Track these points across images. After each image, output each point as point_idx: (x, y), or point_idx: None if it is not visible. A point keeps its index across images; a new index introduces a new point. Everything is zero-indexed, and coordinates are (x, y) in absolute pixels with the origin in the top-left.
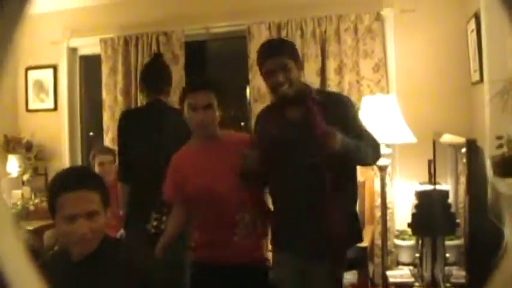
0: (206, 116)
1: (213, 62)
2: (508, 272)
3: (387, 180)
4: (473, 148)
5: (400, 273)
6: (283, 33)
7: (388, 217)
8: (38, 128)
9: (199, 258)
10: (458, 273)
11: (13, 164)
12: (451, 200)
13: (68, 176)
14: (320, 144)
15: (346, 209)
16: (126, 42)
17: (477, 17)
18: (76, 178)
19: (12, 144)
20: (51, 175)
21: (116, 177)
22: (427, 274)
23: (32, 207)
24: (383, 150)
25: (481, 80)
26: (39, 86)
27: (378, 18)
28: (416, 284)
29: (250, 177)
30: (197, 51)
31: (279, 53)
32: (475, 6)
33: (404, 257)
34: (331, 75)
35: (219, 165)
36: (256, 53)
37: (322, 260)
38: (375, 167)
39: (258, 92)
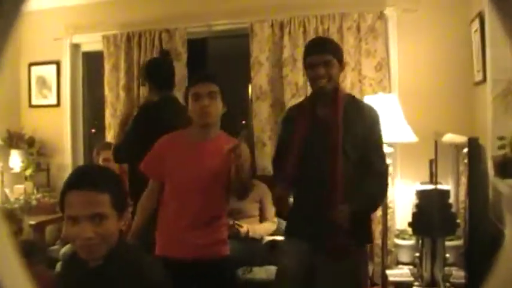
0: (210, 102)
1: (215, 59)
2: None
3: (388, 179)
4: (475, 146)
5: (399, 273)
6: (286, 31)
7: (388, 216)
8: (41, 123)
9: (161, 252)
10: (457, 274)
11: (16, 159)
12: (451, 200)
13: (78, 174)
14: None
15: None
16: (129, 39)
17: (481, 17)
18: (85, 177)
19: (15, 140)
20: (54, 171)
21: (121, 173)
22: (426, 274)
23: (34, 202)
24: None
25: (484, 80)
26: (42, 81)
27: (381, 17)
28: (416, 283)
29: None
30: (199, 49)
31: (325, 50)
32: (479, 6)
33: (404, 256)
34: None
35: (207, 163)
36: (302, 47)
37: (327, 252)
38: None
39: (259, 90)
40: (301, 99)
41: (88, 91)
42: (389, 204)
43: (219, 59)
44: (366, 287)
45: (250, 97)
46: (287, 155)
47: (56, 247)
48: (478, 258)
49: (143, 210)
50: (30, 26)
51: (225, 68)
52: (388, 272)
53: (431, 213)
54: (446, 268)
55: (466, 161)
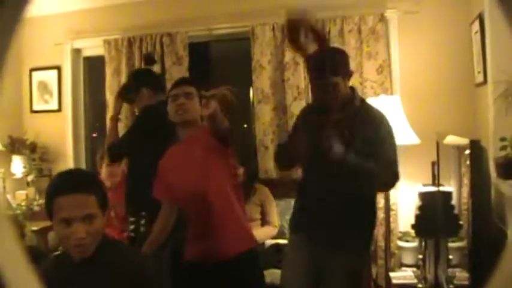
0: (187, 101)
1: (217, 63)
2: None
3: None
4: (477, 148)
5: (403, 275)
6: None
7: (391, 218)
8: (43, 129)
9: (191, 256)
10: (461, 275)
11: (18, 165)
12: (454, 201)
13: (63, 179)
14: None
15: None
16: (130, 43)
17: (481, 18)
18: (72, 181)
19: (17, 145)
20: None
21: (122, 179)
22: (430, 276)
23: (36, 208)
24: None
25: (485, 81)
26: (44, 87)
27: (382, 19)
28: (420, 285)
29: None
30: (201, 53)
31: (328, 73)
32: (479, 8)
33: (408, 258)
34: None
35: (202, 165)
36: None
37: (335, 249)
38: None
39: (261, 93)
40: (302, 102)
41: (89, 96)
42: (392, 207)
43: (221, 62)
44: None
45: (252, 100)
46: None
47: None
48: (481, 260)
49: (158, 232)
50: (31, 32)
51: (226, 71)
52: (391, 274)
53: (434, 215)
54: (450, 270)
55: (468, 162)
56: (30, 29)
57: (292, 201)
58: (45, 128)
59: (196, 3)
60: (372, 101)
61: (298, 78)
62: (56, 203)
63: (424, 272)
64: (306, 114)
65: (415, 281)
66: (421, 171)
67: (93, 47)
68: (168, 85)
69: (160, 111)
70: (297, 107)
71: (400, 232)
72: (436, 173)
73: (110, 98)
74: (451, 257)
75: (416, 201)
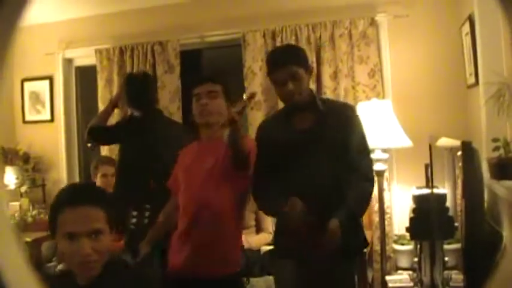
0: (210, 101)
1: (209, 70)
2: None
3: (385, 185)
4: (468, 150)
5: (399, 278)
6: (278, 40)
7: (386, 222)
8: (35, 139)
9: (173, 267)
10: (457, 277)
11: (10, 176)
12: (449, 203)
13: (70, 191)
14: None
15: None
16: (122, 52)
17: (471, 20)
18: (79, 193)
19: (10, 156)
20: (49, 186)
21: None
22: (426, 278)
23: (30, 219)
24: (380, 155)
25: (477, 82)
26: (35, 97)
27: (372, 23)
28: None
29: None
30: (193, 60)
31: (288, 62)
32: (469, 10)
33: (403, 261)
34: (326, 81)
35: (208, 174)
36: (265, 61)
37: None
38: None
39: (253, 99)
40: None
41: (82, 105)
42: (387, 210)
43: (214, 69)
44: None
45: None
46: (269, 173)
47: (52, 264)
48: (475, 261)
49: (160, 224)
50: (22, 42)
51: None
52: (387, 278)
53: (428, 217)
54: (446, 272)
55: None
56: (21, 39)
57: None
58: (37, 138)
59: (187, 11)
60: (364, 105)
61: None
62: (61, 216)
63: (419, 274)
64: (272, 124)
65: (411, 284)
66: (415, 174)
67: (84, 56)
68: (161, 94)
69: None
70: None
71: (395, 235)
72: (429, 175)
73: (102, 107)
74: (446, 259)
75: (410, 204)
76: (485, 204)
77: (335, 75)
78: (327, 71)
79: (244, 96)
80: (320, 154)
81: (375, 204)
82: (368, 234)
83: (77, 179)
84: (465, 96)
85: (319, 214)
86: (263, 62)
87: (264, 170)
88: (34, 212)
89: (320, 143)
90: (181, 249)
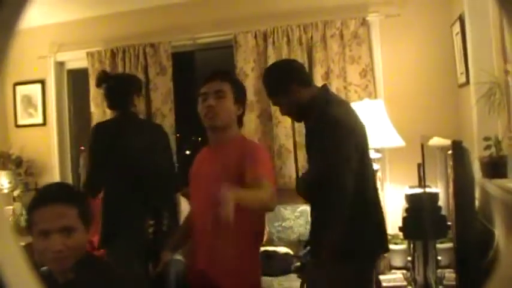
0: (217, 102)
1: (201, 72)
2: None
3: (377, 184)
4: (459, 149)
5: (393, 278)
6: (270, 41)
7: None
8: (28, 143)
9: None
10: (450, 276)
11: (3, 180)
12: (441, 202)
13: (44, 191)
14: None
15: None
16: (113, 55)
17: (461, 20)
18: (52, 192)
19: (2, 160)
20: None
21: None
22: (419, 277)
23: (23, 223)
24: (373, 155)
25: (468, 82)
26: (28, 101)
27: (364, 23)
28: (409, 287)
29: None
30: (185, 62)
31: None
32: (459, 9)
33: (397, 261)
34: (318, 81)
35: (215, 180)
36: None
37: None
38: None
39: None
40: None
41: (74, 108)
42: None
43: (205, 71)
44: None
45: None
46: None
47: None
48: (468, 259)
49: (179, 229)
50: (14, 45)
51: None
52: (381, 277)
53: (421, 216)
54: (439, 271)
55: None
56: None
57: (280, 208)
58: (30, 142)
59: (179, 12)
60: (356, 105)
61: None
62: (35, 215)
63: (413, 274)
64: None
65: (405, 283)
66: (407, 174)
67: (76, 59)
68: (153, 96)
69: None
70: None
71: (389, 235)
72: (422, 174)
73: (94, 110)
74: (439, 258)
75: (403, 204)
76: (477, 203)
77: (327, 76)
78: (318, 72)
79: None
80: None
81: None
82: None
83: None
84: (456, 95)
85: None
86: (255, 63)
87: None
88: (27, 216)
89: None
90: (194, 255)
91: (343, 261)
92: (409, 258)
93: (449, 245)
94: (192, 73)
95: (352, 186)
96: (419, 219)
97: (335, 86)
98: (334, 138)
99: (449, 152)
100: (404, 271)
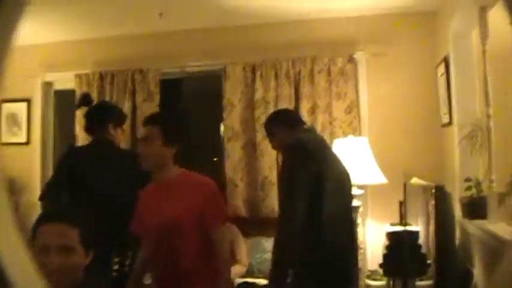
0: (144, 147)
1: (188, 99)
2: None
3: (359, 220)
4: (441, 193)
5: None
6: (258, 74)
7: (360, 257)
8: (10, 161)
9: None
10: None
11: None
12: (421, 240)
13: (52, 209)
14: None
15: None
16: (101, 78)
17: (446, 62)
18: (58, 211)
19: None
20: (22, 209)
21: None
22: None
23: None
24: (355, 191)
25: (451, 122)
26: (13, 119)
27: (351, 61)
28: None
29: None
30: (172, 89)
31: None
32: (445, 51)
33: None
34: (304, 116)
35: (166, 206)
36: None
37: None
38: None
39: (232, 130)
40: None
41: (59, 129)
42: (361, 245)
43: (192, 99)
44: None
45: (222, 136)
46: None
47: None
48: None
49: (136, 268)
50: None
51: (198, 107)
52: None
53: (401, 254)
54: None
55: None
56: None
57: (261, 240)
58: (12, 160)
59: (169, 40)
60: (340, 141)
61: None
62: (39, 229)
63: None
64: None
65: None
66: (389, 211)
67: (64, 80)
68: (139, 122)
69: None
70: (266, 146)
71: (369, 271)
72: (403, 212)
73: (79, 132)
74: None
75: (384, 241)
76: (457, 242)
77: (313, 110)
78: (305, 106)
79: None
80: None
81: None
82: None
83: None
84: (439, 135)
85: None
86: (242, 95)
87: None
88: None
89: None
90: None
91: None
92: None
93: (429, 282)
94: (179, 101)
95: (302, 212)
96: (400, 257)
97: (320, 121)
98: (292, 159)
99: (432, 191)
100: None
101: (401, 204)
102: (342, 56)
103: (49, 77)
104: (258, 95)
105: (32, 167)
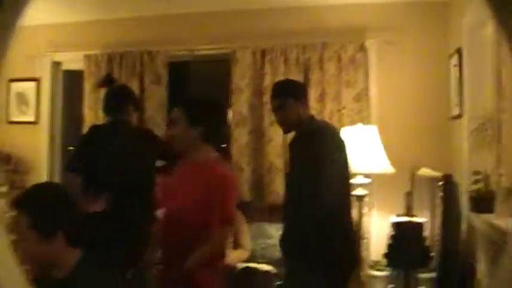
0: (171, 131)
1: (196, 83)
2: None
3: (364, 210)
4: (450, 183)
5: None
6: (267, 59)
7: (363, 247)
8: (18, 140)
9: None
10: None
11: None
12: (427, 232)
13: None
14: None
15: None
16: (110, 59)
17: (459, 53)
18: (17, 197)
19: None
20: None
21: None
22: None
23: (8, 220)
24: (362, 180)
25: (461, 114)
26: (21, 98)
27: (362, 48)
28: None
29: None
30: (181, 72)
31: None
32: (459, 42)
33: (378, 287)
34: (312, 103)
35: (182, 191)
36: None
37: None
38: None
39: (239, 116)
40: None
41: (67, 109)
42: (365, 235)
43: (200, 83)
44: None
45: (229, 122)
46: None
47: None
48: None
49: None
50: (12, 42)
51: (205, 90)
52: None
53: (405, 245)
54: None
55: (441, 194)
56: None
57: (265, 225)
58: (21, 139)
59: (179, 23)
60: (349, 129)
61: None
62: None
63: None
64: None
65: None
66: (395, 201)
67: (73, 60)
68: (147, 104)
69: (103, 131)
70: (273, 132)
71: (372, 261)
72: (409, 203)
73: (87, 112)
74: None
75: (388, 231)
76: (462, 236)
77: (321, 98)
78: (313, 93)
79: None
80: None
81: None
82: None
83: None
84: (449, 126)
85: None
86: (250, 79)
87: None
88: (12, 213)
89: None
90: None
91: (314, 272)
92: (391, 286)
93: (431, 275)
94: (186, 84)
95: (333, 194)
96: (404, 248)
97: (329, 109)
98: (328, 147)
99: (439, 183)
100: None
101: (408, 194)
102: (353, 44)
103: (58, 57)
104: (267, 80)
105: (40, 146)
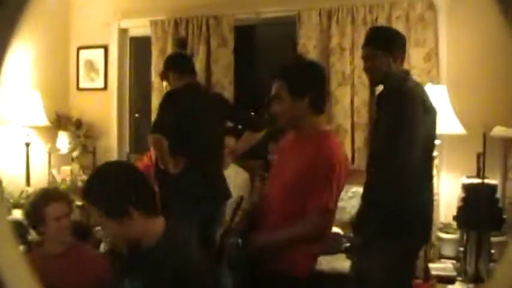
0: (274, 108)
1: (263, 47)
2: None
3: (434, 171)
4: None
5: (442, 267)
6: (334, 20)
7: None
8: (88, 106)
9: None
10: None
11: (63, 141)
12: (498, 195)
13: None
14: None
15: None
16: (176, 24)
17: None
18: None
19: (63, 122)
20: (100, 153)
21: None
22: (470, 269)
23: (80, 184)
24: None
25: None
26: (90, 65)
27: (431, 7)
28: (459, 278)
29: None
30: (247, 36)
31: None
32: None
33: (448, 250)
34: None
35: (286, 165)
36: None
37: None
38: None
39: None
40: (347, 88)
41: (135, 75)
42: (434, 197)
43: (267, 47)
44: None
45: None
46: None
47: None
48: None
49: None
50: (79, 11)
51: (271, 55)
52: (430, 265)
53: (477, 207)
54: (492, 264)
55: None
56: (78, 8)
57: None
58: (90, 105)
59: None
60: None
61: (344, 64)
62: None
63: (464, 265)
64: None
65: (455, 273)
66: (466, 163)
67: (139, 27)
68: (214, 68)
69: (182, 94)
70: (341, 93)
71: (441, 223)
72: (481, 165)
73: (155, 78)
74: (493, 251)
75: (459, 193)
76: None
77: None
78: None
79: None
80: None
81: None
82: None
83: (126, 148)
84: None
85: None
86: (317, 41)
87: None
88: (84, 177)
89: None
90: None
91: (390, 242)
92: (461, 249)
93: (502, 238)
94: (253, 47)
95: (413, 164)
96: (475, 210)
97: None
98: (413, 114)
99: None
100: (454, 261)
101: (480, 156)
102: (422, 2)
103: (125, 23)
104: (334, 41)
105: (109, 113)
